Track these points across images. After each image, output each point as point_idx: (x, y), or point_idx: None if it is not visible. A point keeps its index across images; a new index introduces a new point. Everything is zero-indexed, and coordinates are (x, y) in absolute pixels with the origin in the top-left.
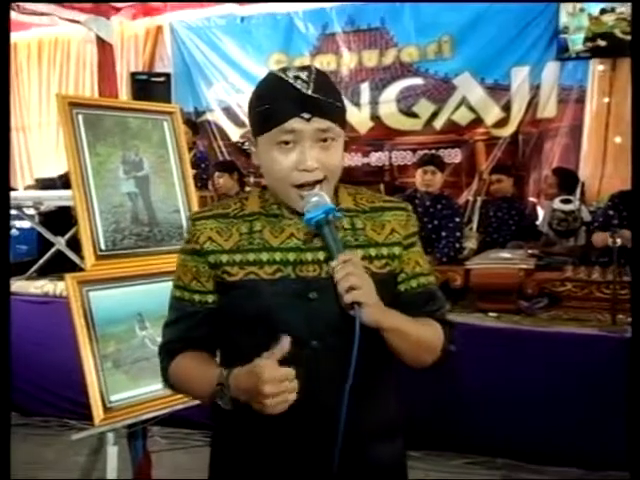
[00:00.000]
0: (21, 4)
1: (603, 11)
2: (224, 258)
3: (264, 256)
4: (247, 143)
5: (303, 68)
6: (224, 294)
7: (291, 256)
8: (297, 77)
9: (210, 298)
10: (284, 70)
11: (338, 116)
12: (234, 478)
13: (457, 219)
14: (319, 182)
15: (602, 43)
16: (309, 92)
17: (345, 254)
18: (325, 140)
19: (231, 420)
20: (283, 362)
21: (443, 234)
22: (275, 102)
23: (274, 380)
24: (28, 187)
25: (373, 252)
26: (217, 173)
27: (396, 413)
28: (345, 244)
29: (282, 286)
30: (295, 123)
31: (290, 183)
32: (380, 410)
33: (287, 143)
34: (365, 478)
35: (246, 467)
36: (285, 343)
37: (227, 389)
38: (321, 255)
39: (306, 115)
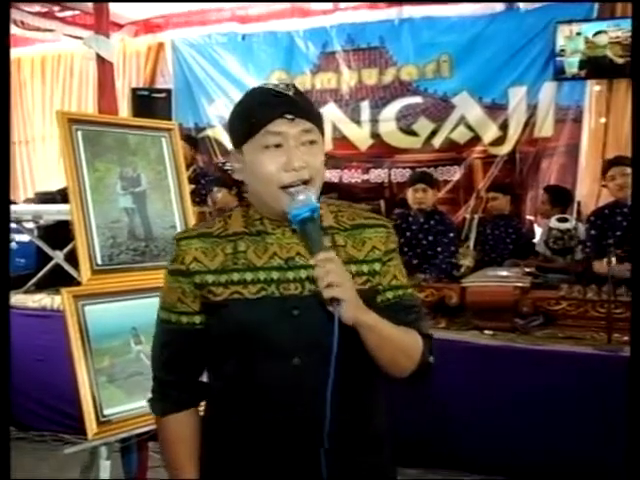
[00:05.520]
0: (25, 20)
1: (596, 34)
2: (210, 278)
3: (248, 276)
4: (228, 163)
5: (279, 83)
6: (209, 314)
7: (274, 275)
8: (277, 85)
9: (197, 319)
10: (263, 84)
11: (318, 121)
12: None
13: (451, 234)
14: (305, 183)
15: (598, 66)
16: (290, 94)
17: (325, 252)
18: (309, 142)
19: (220, 433)
20: (267, 378)
21: (439, 249)
22: (259, 107)
23: None
24: (27, 200)
25: (354, 269)
26: (215, 188)
27: (383, 425)
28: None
29: (266, 304)
30: (280, 124)
31: (278, 184)
32: (365, 421)
33: (273, 146)
34: None
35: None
36: None
37: None
38: (302, 273)
39: (289, 116)
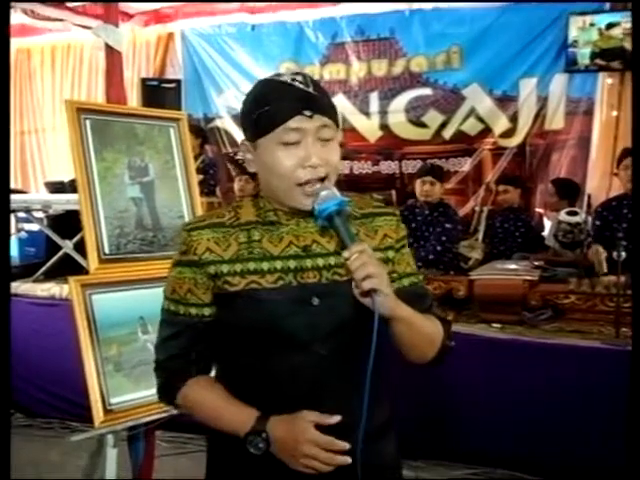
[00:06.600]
0: (35, 10)
1: (610, 25)
2: (225, 268)
3: (265, 265)
4: (240, 153)
5: (296, 73)
6: (224, 305)
7: (292, 264)
8: (294, 79)
9: (207, 311)
10: (278, 75)
11: (334, 115)
12: None
13: (448, 225)
14: (322, 180)
15: (610, 58)
16: (310, 90)
17: (359, 244)
18: (326, 139)
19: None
20: (290, 367)
21: (430, 238)
22: (277, 102)
23: (314, 443)
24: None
25: None
26: (241, 176)
27: (390, 411)
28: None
29: (284, 293)
30: (299, 121)
31: (295, 181)
32: (377, 407)
33: (291, 142)
34: (364, 476)
35: (245, 474)
36: (332, 420)
37: (264, 436)
38: (320, 261)
39: (308, 112)
